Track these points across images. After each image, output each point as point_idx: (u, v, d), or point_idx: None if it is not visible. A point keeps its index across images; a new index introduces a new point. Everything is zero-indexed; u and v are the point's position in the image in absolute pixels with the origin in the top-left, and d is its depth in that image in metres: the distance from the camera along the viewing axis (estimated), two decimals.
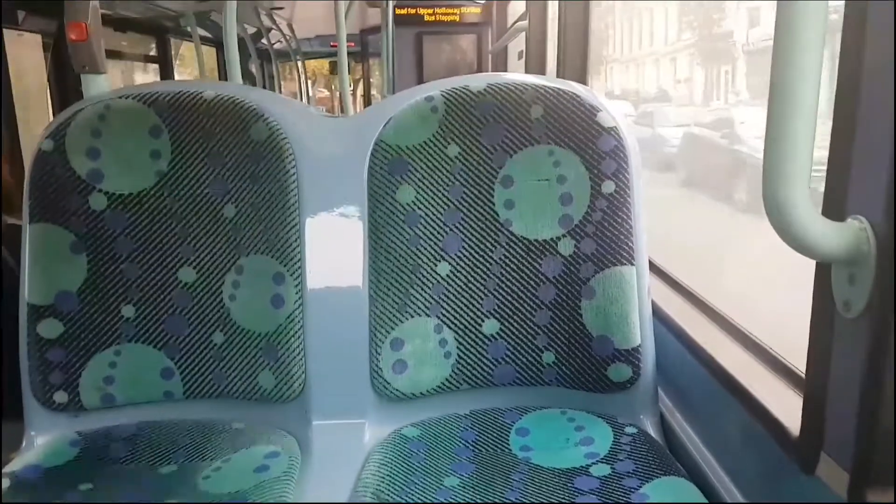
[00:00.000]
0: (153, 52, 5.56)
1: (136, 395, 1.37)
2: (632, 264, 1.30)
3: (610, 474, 1.15)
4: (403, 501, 1.10)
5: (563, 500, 1.09)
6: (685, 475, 1.13)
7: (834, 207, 0.77)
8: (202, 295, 1.36)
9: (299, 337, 1.32)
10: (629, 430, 1.27)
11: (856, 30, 0.73)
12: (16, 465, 1.23)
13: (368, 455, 1.24)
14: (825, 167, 0.79)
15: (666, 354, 1.35)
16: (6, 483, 1.16)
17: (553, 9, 2.79)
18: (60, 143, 1.32)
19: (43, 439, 1.33)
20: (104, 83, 1.48)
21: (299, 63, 9.87)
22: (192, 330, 1.36)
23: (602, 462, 1.19)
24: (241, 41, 3.47)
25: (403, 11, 5.93)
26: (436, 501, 1.10)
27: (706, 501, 1.06)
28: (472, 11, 6.06)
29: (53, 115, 3.69)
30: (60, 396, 1.33)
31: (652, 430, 1.31)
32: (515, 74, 1.40)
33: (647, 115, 11.01)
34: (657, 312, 1.38)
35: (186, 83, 1.40)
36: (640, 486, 1.10)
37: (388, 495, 1.10)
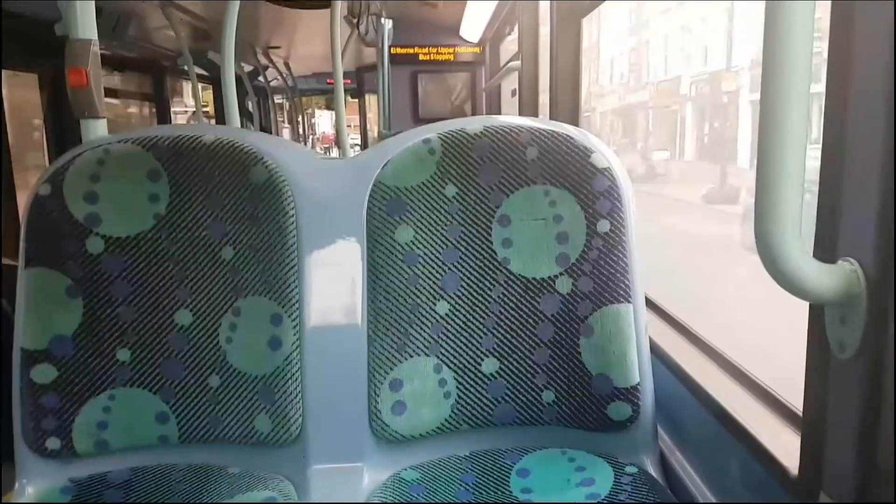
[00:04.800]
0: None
1: (130, 440, 1.36)
2: (629, 302, 1.31)
3: None
4: None
5: None
6: None
7: (825, 249, 0.79)
8: (198, 338, 1.36)
9: (297, 379, 1.31)
10: (629, 469, 1.26)
11: (841, 73, 0.75)
12: None
13: (367, 500, 1.22)
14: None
15: (665, 392, 1.35)
16: None
17: (545, 48, 2.84)
18: (58, 188, 1.33)
19: (34, 487, 1.31)
20: (103, 127, 1.49)
21: (296, 100, 9.99)
22: (188, 373, 1.35)
23: (603, 503, 1.18)
24: (238, 79, 3.51)
25: (399, 51, 6.03)
26: None
27: None
28: (466, 51, 6.17)
29: (48, 151, 3.71)
30: (53, 443, 1.31)
31: (652, 470, 1.30)
32: (510, 117, 1.42)
33: None
34: (655, 350, 1.38)
35: (186, 128, 1.42)
36: None
37: None
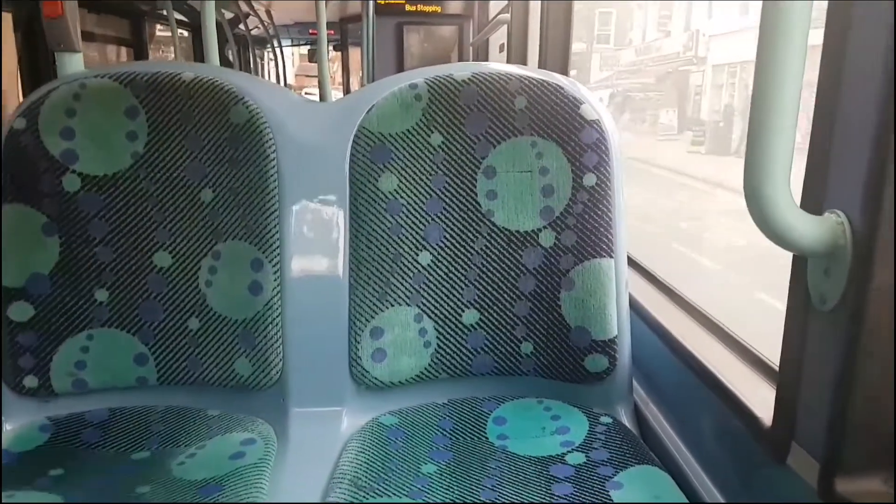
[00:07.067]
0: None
1: (108, 380, 1.35)
2: (611, 257, 1.32)
3: (585, 462, 1.16)
4: (380, 488, 1.10)
5: (539, 487, 1.11)
6: (658, 464, 1.15)
7: (812, 201, 0.79)
8: (178, 280, 1.34)
9: (277, 324, 1.31)
10: (604, 419, 1.28)
11: (838, 25, 0.74)
12: None
13: (346, 443, 1.23)
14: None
15: (642, 346, 1.37)
16: None
17: (535, 2, 2.79)
18: (33, 122, 1.29)
19: (12, 425, 1.30)
20: (79, 61, 1.44)
21: (277, 51, 9.77)
22: (167, 315, 1.34)
23: (577, 450, 1.20)
24: (218, 26, 3.42)
25: (384, 1, 5.90)
26: (413, 488, 1.10)
27: (678, 489, 1.08)
28: (454, 3, 6.05)
29: (23, 94, 3.61)
30: (30, 381, 1.31)
31: (626, 420, 1.32)
32: (500, 64, 1.39)
33: None
34: (634, 305, 1.40)
35: (165, 64, 1.37)
36: (615, 474, 1.12)
37: (365, 482, 1.10)
